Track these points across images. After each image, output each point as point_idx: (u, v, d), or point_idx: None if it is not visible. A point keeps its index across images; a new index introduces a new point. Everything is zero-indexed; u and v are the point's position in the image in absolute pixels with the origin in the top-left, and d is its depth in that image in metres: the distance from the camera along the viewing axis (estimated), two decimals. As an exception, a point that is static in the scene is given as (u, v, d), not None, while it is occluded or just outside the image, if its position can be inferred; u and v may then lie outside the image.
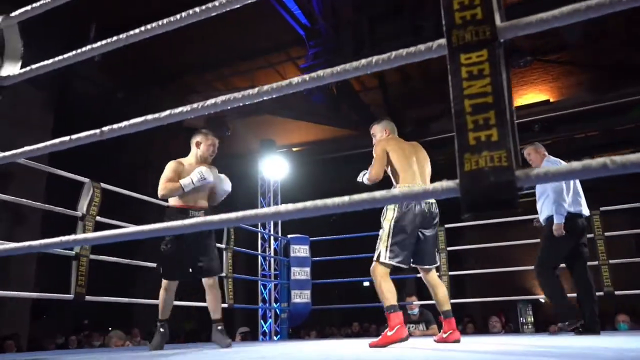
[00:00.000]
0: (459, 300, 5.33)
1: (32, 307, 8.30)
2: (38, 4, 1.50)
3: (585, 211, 3.85)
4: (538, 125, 9.17)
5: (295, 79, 1.04)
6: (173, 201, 3.22)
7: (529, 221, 5.43)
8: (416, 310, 5.09)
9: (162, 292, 3.15)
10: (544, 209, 3.98)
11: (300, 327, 8.60)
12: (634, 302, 9.60)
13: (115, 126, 1.23)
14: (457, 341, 2.89)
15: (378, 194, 0.88)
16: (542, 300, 12.60)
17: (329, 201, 0.91)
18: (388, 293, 2.77)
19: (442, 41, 0.91)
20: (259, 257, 6.03)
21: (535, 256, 12.43)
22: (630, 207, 5.33)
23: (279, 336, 5.65)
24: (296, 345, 3.43)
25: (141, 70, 9.93)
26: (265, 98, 1.07)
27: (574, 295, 3.87)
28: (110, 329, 9.14)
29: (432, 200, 2.96)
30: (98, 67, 8.86)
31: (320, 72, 1.02)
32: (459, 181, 0.82)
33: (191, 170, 3.20)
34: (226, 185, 3.41)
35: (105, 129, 1.25)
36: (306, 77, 1.03)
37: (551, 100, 9.34)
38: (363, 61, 0.98)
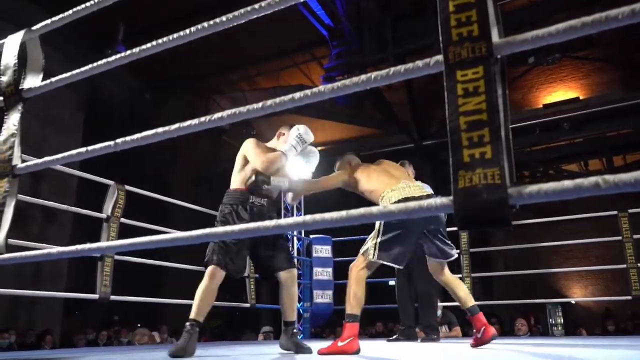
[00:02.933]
0: (485, 303, 5.25)
1: (65, 303, 8.57)
2: (57, 17, 1.56)
3: None
4: (567, 123, 8.97)
5: (297, 94, 1.06)
6: (239, 184, 2.68)
7: (558, 222, 5.32)
8: (438, 312, 5.03)
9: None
10: None
11: (324, 326, 8.64)
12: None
13: (128, 138, 1.28)
14: (494, 337, 2.65)
15: (375, 209, 0.90)
16: (573, 302, 12.37)
17: (327, 215, 0.93)
18: (354, 299, 2.52)
19: (440, 57, 0.91)
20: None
21: (566, 257, 12.08)
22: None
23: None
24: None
25: (167, 70, 10.11)
26: (265, 113, 1.10)
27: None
28: (139, 325, 9.35)
29: (431, 192, 2.81)
30: (126, 67, 9.07)
31: (321, 88, 1.04)
32: (453, 198, 0.82)
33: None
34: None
35: (119, 140, 1.29)
36: (308, 92, 1.05)
37: (581, 97, 9.12)
38: (363, 77, 0.99)
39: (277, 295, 2.86)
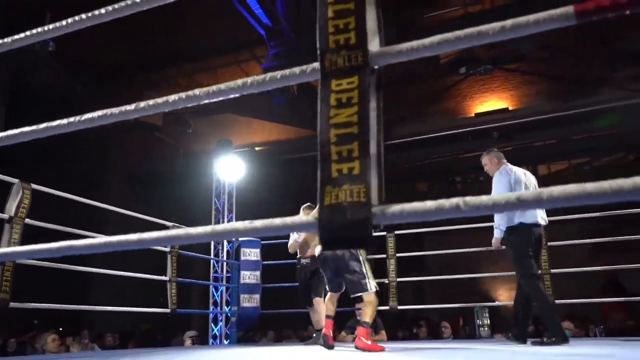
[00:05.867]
0: (414, 307, 5.36)
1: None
2: None
3: (542, 220, 3.73)
4: (497, 132, 9.32)
5: (224, 85, 0.98)
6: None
7: (486, 228, 5.39)
8: (365, 317, 5.07)
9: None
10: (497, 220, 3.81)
11: (257, 329, 8.52)
12: (587, 309, 9.89)
13: (41, 126, 1.14)
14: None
15: (240, 224, 0.83)
16: (499, 303, 12.89)
17: (193, 230, 0.86)
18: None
19: (317, 65, 0.86)
20: (212, 260, 5.93)
21: (493, 261, 12.51)
22: (580, 217, 5.51)
23: (228, 340, 5.56)
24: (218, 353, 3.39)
25: (102, 64, 9.68)
26: (191, 104, 1.02)
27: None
28: (60, 329, 8.85)
29: None
30: (55, 58, 8.59)
31: (222, 85, 0.97)
32: (319, 215, 0.77)
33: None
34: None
35: (27, 129, 1.15)
36: (213, 88, 0.97)
37: (510, 108, 9.50)
38: (239, 82, 0.93)
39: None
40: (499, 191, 3.54)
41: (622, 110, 8.51)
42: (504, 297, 12.70)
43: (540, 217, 3.72)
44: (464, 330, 9.28)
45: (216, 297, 5.89)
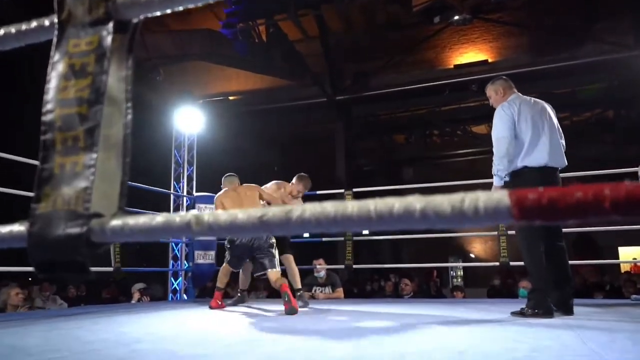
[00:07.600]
0: (368, 266, 5.26)
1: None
2: None
3: (554, 162, 2.90)
4: (475, 85, 9.04)
5: None
6: None
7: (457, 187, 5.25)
8: (322, 273, 4.97)
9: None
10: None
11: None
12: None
13: None
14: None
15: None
16: (472, 256, 13.03)
17: None
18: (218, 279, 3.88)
19: (55, 17, 0.64)
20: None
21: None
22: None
23: (185, 297, 5.48)
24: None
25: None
26: None
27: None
28: (30, 278, 8.73)
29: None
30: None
31: None
32: (29, 226, 0.58)
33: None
34: None
35: None
36: None
37: (490, 60, 9.20)
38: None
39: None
40: (499, 131, 2.88)
41: (602, 64, 8.27)
42: (478, 249, 12.83)
43: (551, 157, 2.90)
44: (434, 282, 9.31)
45: (176, 251, 5.77)
